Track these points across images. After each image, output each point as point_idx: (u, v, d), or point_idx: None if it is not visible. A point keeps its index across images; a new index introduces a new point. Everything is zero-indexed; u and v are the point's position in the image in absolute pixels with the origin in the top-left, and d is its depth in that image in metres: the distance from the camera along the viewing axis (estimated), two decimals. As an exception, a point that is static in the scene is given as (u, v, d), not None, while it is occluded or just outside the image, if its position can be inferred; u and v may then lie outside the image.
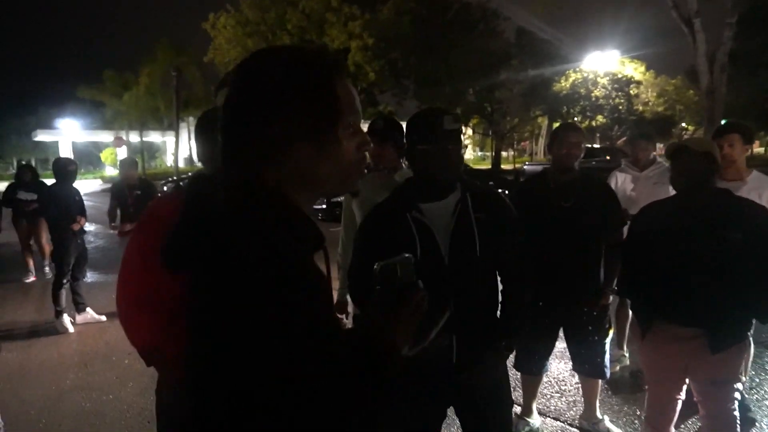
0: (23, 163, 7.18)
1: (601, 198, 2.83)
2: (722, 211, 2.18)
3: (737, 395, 2.32)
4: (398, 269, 0.91)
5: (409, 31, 20.93)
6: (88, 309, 5.62)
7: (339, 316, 2.81)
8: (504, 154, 38.05)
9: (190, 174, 25.87)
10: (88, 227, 8.25)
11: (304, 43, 21.75)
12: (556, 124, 35.92)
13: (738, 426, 2.28)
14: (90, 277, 6.90)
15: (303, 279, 0.74)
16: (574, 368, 3.05)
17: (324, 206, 11.47)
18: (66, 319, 5.35)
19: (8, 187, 7.69)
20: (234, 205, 0.81)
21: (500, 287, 2.08)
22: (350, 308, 2.89)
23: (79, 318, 5.54)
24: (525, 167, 20.56)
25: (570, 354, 3.04)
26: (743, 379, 2.34)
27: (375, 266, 0.92)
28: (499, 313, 2.06)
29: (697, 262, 2.17)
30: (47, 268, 7.55)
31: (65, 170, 5.47)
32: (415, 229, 1.87)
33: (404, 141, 2.46)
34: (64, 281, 5.39)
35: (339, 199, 6.91)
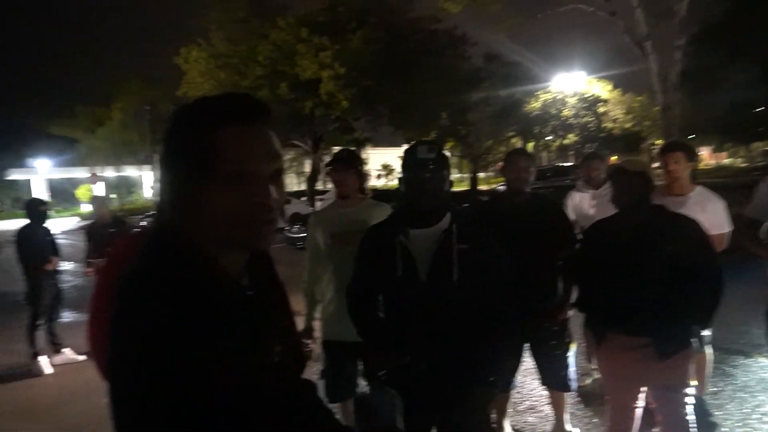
0: None
1: (552, 217, 3.01)
2: (656, 226, 2.37)
3: (689, 400, 2.46)
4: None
5: (378, 59, 21.35)
6: (66, 350, 5.58)
7: (306, 341, 2.91)
8: (481, 174, 38.59)
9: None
10: (65, 266, 8.14)
11: (276, 76, 22.02)
12: (530, 144, 36.55)
13: (692, 430, 2.42)
14: (68, 316, 6.83)
15: (175, 342, 0.73)
16: (542, 382, 3.18)
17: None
18: (43, 360, 5.30)
19: None
20: (143, 253, 0.86)
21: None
22: (317, 333, 3.00)
23: (57, 359, 5.49)
24: (499, 188, 20.89)
25: (537, 369, 3.16)
26: (692, 384, 2.48)
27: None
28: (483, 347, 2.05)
29: (639, 274, 2.35)
30: None
31: (36, 211, 5.48)
32: (399, 253, 1.99)
33: (364, 170, 2.61)
34: (38, 323, 5.36)
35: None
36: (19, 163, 44.48)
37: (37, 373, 5.20)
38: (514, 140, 36.71)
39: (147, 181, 41.99)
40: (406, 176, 2.02)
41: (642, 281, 2.35)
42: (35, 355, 5.29)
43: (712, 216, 3.07)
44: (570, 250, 2.89)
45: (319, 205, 10.06)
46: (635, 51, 11.04)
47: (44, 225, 5.53)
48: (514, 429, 3.38)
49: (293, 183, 43.64)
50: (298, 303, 2.25)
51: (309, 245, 3.07)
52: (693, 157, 3.43)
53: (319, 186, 26.65)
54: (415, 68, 22.37)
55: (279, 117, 24.49)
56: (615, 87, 33.88)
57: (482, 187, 34.76)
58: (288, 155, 38.21)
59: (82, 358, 5.57)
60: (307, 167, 31.83)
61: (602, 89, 32.63)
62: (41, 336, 5.41)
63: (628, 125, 33.49)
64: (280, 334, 0.95)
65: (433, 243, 2.00)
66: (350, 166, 2.88)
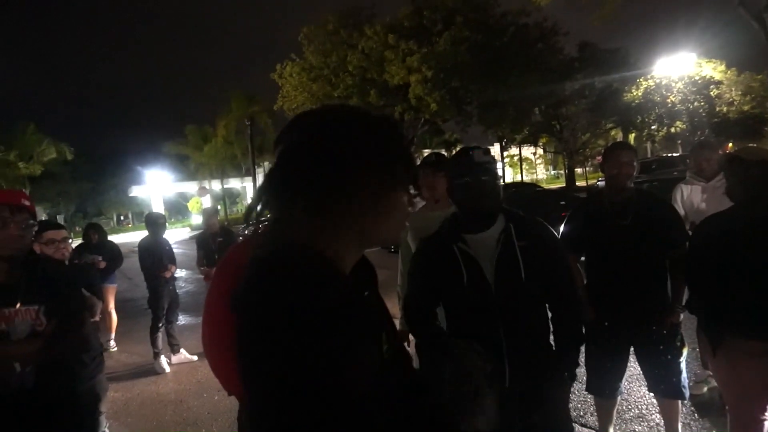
0: (91, 222, 6.86)
1: (661, 214, 2.79)
2: None
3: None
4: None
5: (466, 59, 21.13)
6: (182, 350, 6.08)
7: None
8: (578, 170, 36.81)
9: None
10: (179, 273, 8.80)
11: (366, 83, 22.56)
12: (631, 136, 34.21)
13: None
14: (182, 319, 7.43)
15: (332, 330, 0.75)
16: (650, 389, 2.96)
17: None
18: (163, 360, 5.81)
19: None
20: (278, 257, 0.86)
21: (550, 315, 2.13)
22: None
23: (174, 358, 5.99)
24: (599, 183, 19.79)
25: (644, 375, 2.95)
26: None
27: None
28: (554, 341, 2.12)
29: (760, 273, 2.11)
30: (112, 342, 6.83)
31: (156, 223, 6.02)
32: (461, 260, 1.99)
33: None
34: (159, 325, 5.88)
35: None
36: (139, 181, 49.22)
37: (159, 371, 5.69)
38: (613, 132, 34.63)
39: (249, 192, 44.70)
40: (465, 181, 2.01)
41: (764, 280, 2.11)
42: (156, 355, 5.81)
43: None
44: (681, 248, 2.67)
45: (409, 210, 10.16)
46: (752, 25, 10.00)
47: (162, 236, 6.06)
48: (621, 439, 3.18)
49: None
50: (392, 306, 2.29)
51: (402, 249, 3.10)
52: None
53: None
54: (505, 65, 21.91)
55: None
56: (729, 67, 30.81)
57: (580, 184, 33.16)
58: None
59: (195, 358, 6.05)
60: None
61: (714, 70, 29.78)
62: (161, 338, 5.93)
63: (746, 107, 30.26)
64: (388, 334, 0.97)
65: (494, 245, 2.01)
66: (440, 170, 2.88)
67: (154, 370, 5.73)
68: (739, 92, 30.56)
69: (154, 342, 5.82)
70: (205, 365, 6.07)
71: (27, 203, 1.91)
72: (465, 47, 21.13)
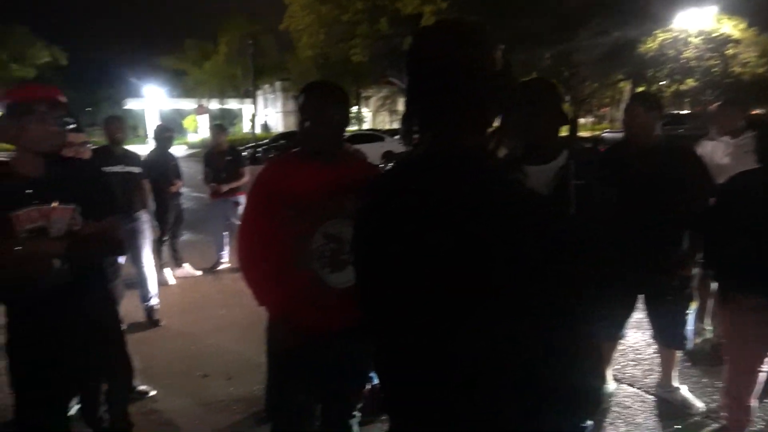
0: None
1: (688, 164, 2.79)
2: None
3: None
4: None
5: (482, -5, 20.29)
6: (186, 264, 6.17)
7: None
8: (582, 120, 36.32)
9: (267, 140, 26.67)
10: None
11: (377, 10, 21.67)
12: (640, 89, 33.57)
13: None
14: (184, 236, 7.48)
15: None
16: (654, 336, 3.07)
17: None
18: (168, 271, 5.90)
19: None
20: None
21: None
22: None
23: (178, 272, 6.09)
24: (604, 135, 19.64)
25: (650, 322, 3.05)
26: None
27: None
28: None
29: None
30: None
31: (162, 137, 5.93)
32: None
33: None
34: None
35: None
36: (135, 93, 47.98)
37: (163, 283, 5.79)
38: (622, 84, 33.95)
39: (247, 113, 43.91)
40: (516, 114, 1.99)
41: None
42: (161, 266, 5.89)
43: None
44: (703, 201, 2.68)
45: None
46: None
47: (169, 150, 5.99)
48: (615, 379, 3.34)
49: (386, 121, 43.66)
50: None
51: None
52: None
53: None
54: (518, 5, 21.08)
55: (377, 53, 24.30)
56: (750, 26, 29.83)
57: (583, 134, 32.84)
58: (383, 92, 38.08)
59: (199, 273, 6.16)
60: (401, 105, 31.55)
61: (733, 28, 28.84)
62: (165, 251, 5.99)
63: (760, 70, 29.61)
64: None
65: (550, 179, 2.02)
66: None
67: (158, 282, 5.82)
68: (756, 54, 29.77)
69: (158, 254, 5.89)
70: (209, 281, 6.18)
71: (63, 99, 1.86)
72: (482, -18, 20.22)
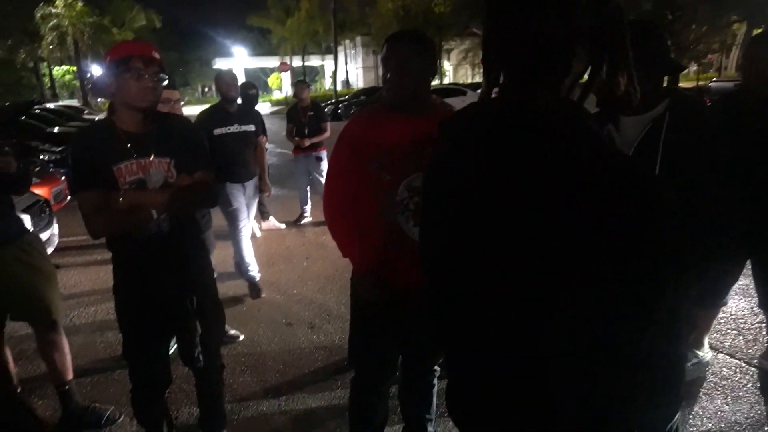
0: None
1: None
2: None
3: None
4: None
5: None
6: (271, 218, 6.42)
7: None
8: (684, 70, 33.18)
9: (348, 96, 26.70)
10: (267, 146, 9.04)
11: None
12: (756, 31, 30.03)
13: None
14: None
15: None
16: (760, 305, 2.81)
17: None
18: (254, 224, 6.17)
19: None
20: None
21: None
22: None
23: (264, 225, 6.37)
24: (711, 84, 17.86)
25: (757, 290, 2.79)
26: None
27: None
28: None
29: None
30: None
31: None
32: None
33: None
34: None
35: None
36: (223, 53, 49.68)
37: (251, 235, 6.08)
38: (736, 26, 30.51)
39: (328, 70, 44.20)
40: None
41: None
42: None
43: None
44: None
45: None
46: None
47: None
48: (712, 348, 3.12)
49: (468, 75, 42.34)
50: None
51: None
52: None
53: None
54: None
55: (459, 2, 23.38)
56: None
57: (685, 84, 30.10)
58: (465, 44, 36.81)
59: (283, 226, 6.40)
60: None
61: None
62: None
63: None
64: None
65: (641, 131, 1.85)
66: None
67: (247, 234, 6.12)
68: None
69: (247, 208, 6.15)
70: (293, 234, 6.39)
71: (157, 56, 1.92)
72: None
